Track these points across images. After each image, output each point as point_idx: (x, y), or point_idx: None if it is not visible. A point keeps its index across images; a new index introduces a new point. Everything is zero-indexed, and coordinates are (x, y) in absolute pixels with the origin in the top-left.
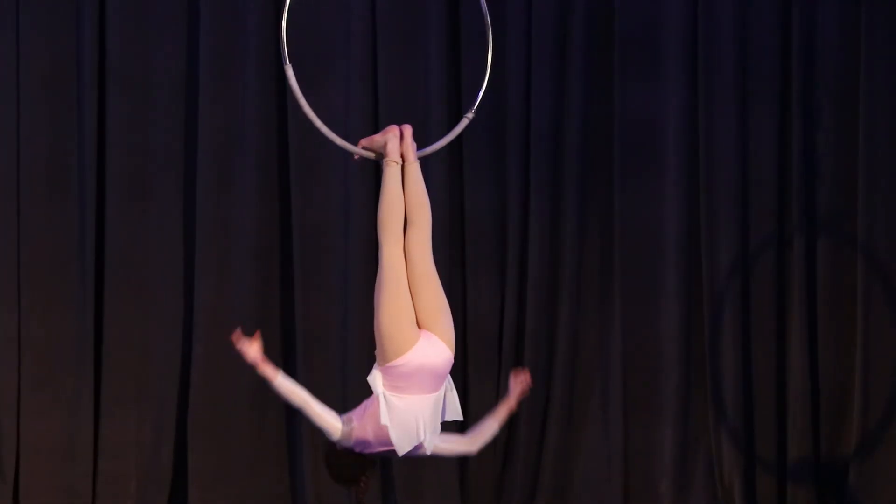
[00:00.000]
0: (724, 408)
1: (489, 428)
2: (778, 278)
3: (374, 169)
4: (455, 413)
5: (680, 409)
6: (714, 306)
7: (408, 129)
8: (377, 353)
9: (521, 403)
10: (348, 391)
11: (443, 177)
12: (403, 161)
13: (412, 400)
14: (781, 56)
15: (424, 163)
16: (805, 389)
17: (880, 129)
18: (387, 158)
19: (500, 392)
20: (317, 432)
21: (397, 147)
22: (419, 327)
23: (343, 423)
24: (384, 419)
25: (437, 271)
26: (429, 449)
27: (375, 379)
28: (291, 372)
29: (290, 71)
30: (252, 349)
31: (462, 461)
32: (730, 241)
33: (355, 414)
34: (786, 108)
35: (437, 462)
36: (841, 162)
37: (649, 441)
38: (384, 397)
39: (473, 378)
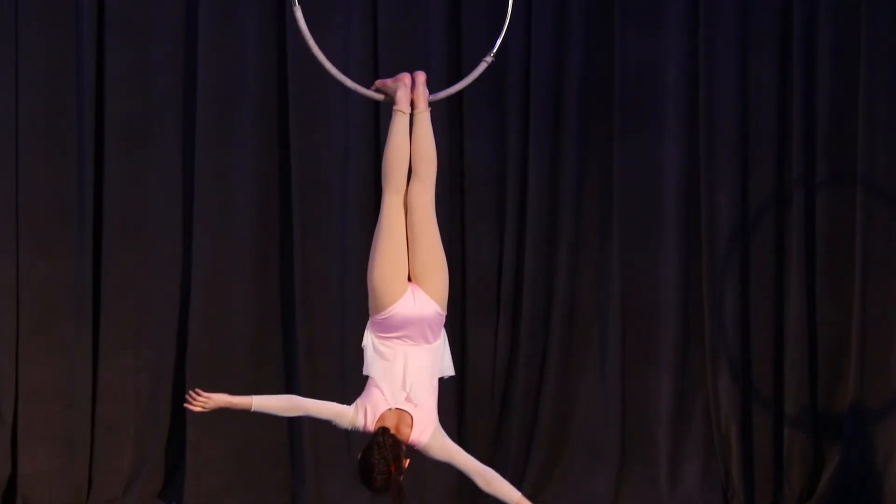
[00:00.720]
0: (722, 357)
1: (505, 493)
2: (777, 227)
3: (375, 118)
4: (447, 369)
5: (678, 357)
6: (713, 256)
7: (420, 77)
8: (369, 302)
9: (519, 352)
10: (346, 338)
11: (443, 127)
12: (413, 109)
13: (399, 349)
14: (782, 4)
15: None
16: (803, 338)
17: (880, 81)
18: (395, 107)
19: (498, 339)
20: (317, 377)
21: (407, 96)
22: (410, 281)
23: (351, 408)
24: (366, 370)
25: (437, 225)
26: (418, 401)
27: (366, 336)
28: (290, 321)
29: (298, 12)
30: (214, 399)
31: (460, 410)
32: (729, 191)
33: (360, 398)
34: (786, 57)
35: (438, 408)
36: (840, 112)
37: (647, 389)
38: (371, 346)
39: (472, 327)
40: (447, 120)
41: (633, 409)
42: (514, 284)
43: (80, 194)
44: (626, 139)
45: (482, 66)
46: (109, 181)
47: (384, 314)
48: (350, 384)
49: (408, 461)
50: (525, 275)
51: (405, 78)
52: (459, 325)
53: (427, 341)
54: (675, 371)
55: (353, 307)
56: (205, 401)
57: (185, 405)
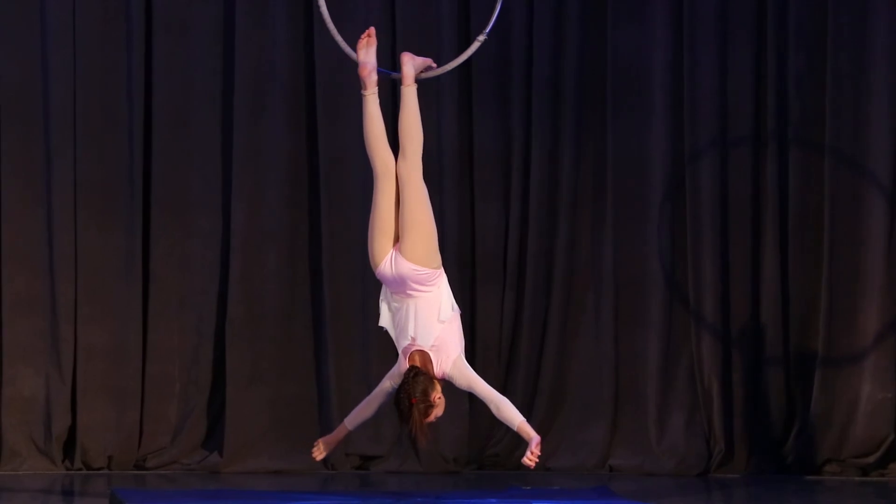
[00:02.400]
0: (704, 319)
1: (511, 418)
2: (753, 201)
3: (394, 99)
4: (446, 311)
5: (664, 320)
6: (695, 229)
7: (404, 56)
8: None
9: (523, 316)
10: (367, 301)
11: (453, 112)
12: (400, 84)
13: (405, 302)
14: (757, 2)
15: (437, 98)
16: (776, 303)
17: (844, 65)
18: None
19: (504, 305)
20: (342, 336)
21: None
22: (397, 244)
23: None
24: (381, 322)
25: (424, 191)
26: (425, 343)
27: (382, 293)
28: (317, 286)
29: (321, 1)
30: (323, 443)
31: (470, 365)
32: (710, 169)
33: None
34: (761, 46)
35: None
36: (809, 94)
37: (637, 349)
38: (385, 302)
39: (480, 292)
40: (457, 106)
41: (625, 366)
42: (518, 254)
43: (130, 174)
44: (618, 124)
45: (475, 45)
46: (156, 162)
47: (376, 272)
48: (370, 343)
49: (436, 395)
50: (528, 246)
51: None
52: (469, 290)
53: (421, 292)
54: (661, 332)
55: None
56: (321, 450)
57: (314, 456)
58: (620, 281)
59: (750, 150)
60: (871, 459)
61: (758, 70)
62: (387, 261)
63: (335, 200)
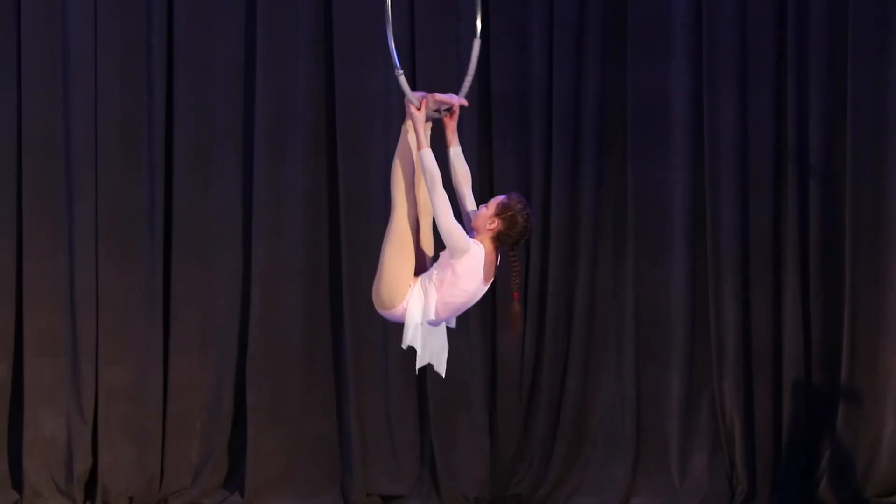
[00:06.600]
0: (726, 358)
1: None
2: (774, 241)
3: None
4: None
5: (686, 358)
6: (717, 267)
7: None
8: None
9: (544, 354)
10: (388, 340)
11: (472, 148)
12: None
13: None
14: (777, 42)
15: (457, 133)
16: (799, 342)
17: (864, 112)
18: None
19: (525, 343)
20: (363, 376)
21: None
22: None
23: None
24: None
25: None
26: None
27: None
28: (338, 324)
29: (402, 78)
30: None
31: (491, 404)
32: (731, 208)
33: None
34: (781, 84)
35: (470, 406)
36: (830, 140)
37: (659, 387)
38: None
39: (502, 330)
40: (476, 142)
41: (647, 405)
42: (539, 292)
43: (151, 211)
44: (638, 161)
45: (476, 45)
46: (178, 199)
47: (385, 313)
48: (392, 381)
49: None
50: (549, 283)
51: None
52: (491, 329)
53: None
54: (684, 371)
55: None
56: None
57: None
58: (641, 318)
59: (771, 186)
60: (894, 499)
61: (778, 107)
62: (413, 297)
63: (355, 238)
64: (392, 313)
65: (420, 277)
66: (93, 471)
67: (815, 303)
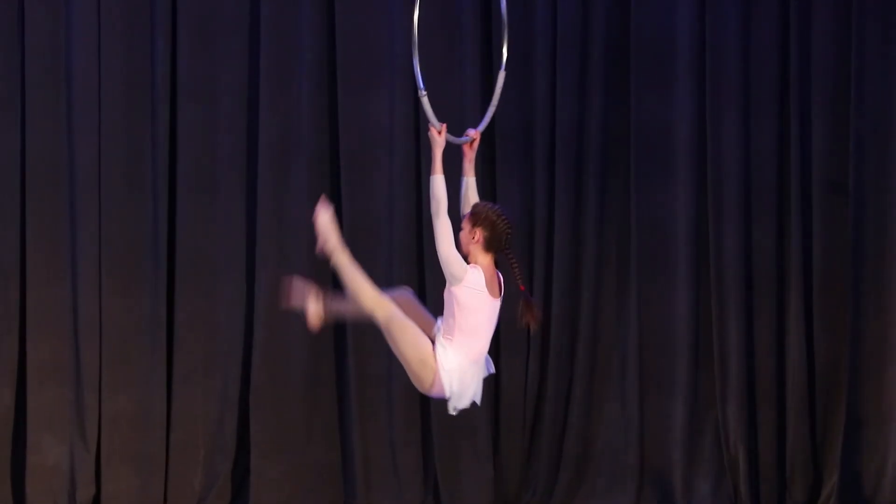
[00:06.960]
0: (730, 385)
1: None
2: (778, 269)
3: (417, 169)
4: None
5: (690, 385)
6: (720, 293)
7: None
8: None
9: (547, 381)
10: (392, 369)
11: (477, 177)
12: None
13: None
14: (780, 71)
15: (460, 163)
16: (802, 367)
17: (867, 139)
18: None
19: (528, 370)
20: (367, 405)
21: None
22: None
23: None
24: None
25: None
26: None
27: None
28: (342, 353)
29: (425, 99)
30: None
31: (495, 433)
32: (734, 235)
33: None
34: (784, 116)
35: (474, 434)
36: (833, 167)
37: (663, 415)
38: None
39: (505, 358)
40: (480, 171)
41: (651, 432)
42: (543, 320)
43: (154, 239)
44: (641, 189)
45: (501, 77)
46: (181, 228)
47: (438, 385)
48: (395, 409)
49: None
50: (553, 312)
51: None
52: (494, 355)
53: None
54: (687, 398)
55: None
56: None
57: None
58: (645, 345)
59: (774, 212)
60: None
61: (781, 135)
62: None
63: (359, 264)
64: (439, 382)
65: (436, 341)
66: (96, 499)
67: (819, 328)
